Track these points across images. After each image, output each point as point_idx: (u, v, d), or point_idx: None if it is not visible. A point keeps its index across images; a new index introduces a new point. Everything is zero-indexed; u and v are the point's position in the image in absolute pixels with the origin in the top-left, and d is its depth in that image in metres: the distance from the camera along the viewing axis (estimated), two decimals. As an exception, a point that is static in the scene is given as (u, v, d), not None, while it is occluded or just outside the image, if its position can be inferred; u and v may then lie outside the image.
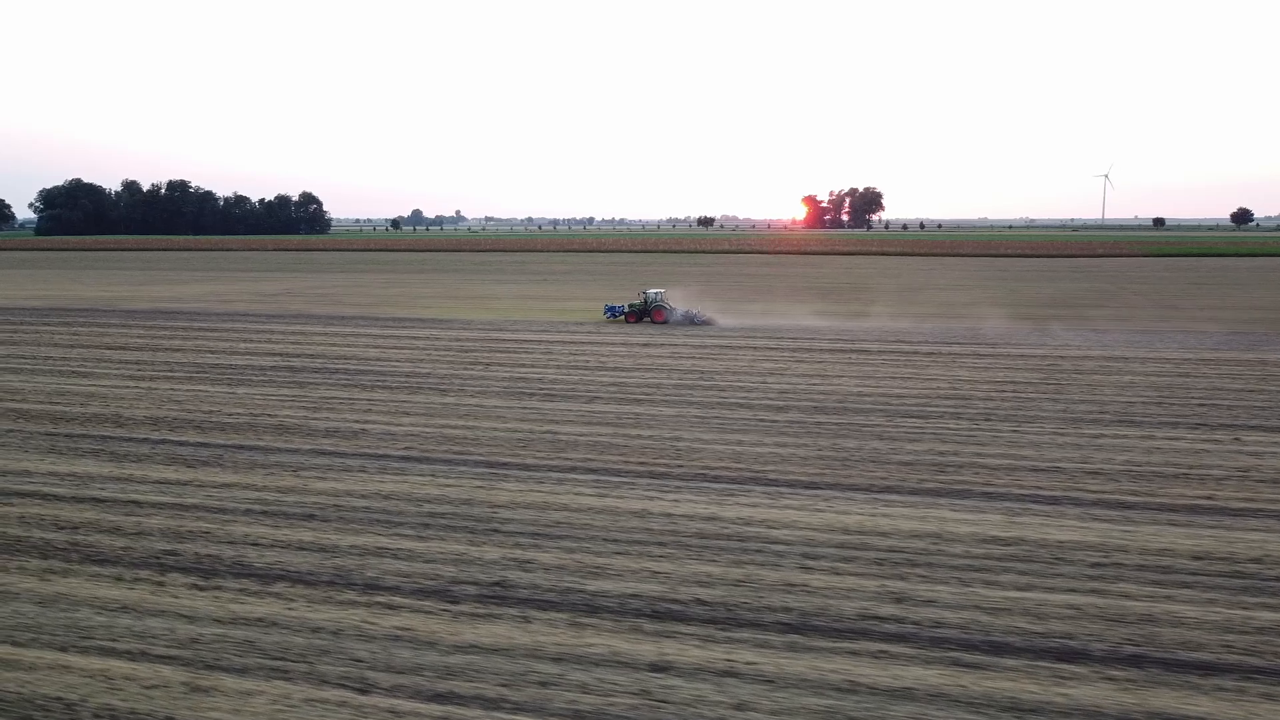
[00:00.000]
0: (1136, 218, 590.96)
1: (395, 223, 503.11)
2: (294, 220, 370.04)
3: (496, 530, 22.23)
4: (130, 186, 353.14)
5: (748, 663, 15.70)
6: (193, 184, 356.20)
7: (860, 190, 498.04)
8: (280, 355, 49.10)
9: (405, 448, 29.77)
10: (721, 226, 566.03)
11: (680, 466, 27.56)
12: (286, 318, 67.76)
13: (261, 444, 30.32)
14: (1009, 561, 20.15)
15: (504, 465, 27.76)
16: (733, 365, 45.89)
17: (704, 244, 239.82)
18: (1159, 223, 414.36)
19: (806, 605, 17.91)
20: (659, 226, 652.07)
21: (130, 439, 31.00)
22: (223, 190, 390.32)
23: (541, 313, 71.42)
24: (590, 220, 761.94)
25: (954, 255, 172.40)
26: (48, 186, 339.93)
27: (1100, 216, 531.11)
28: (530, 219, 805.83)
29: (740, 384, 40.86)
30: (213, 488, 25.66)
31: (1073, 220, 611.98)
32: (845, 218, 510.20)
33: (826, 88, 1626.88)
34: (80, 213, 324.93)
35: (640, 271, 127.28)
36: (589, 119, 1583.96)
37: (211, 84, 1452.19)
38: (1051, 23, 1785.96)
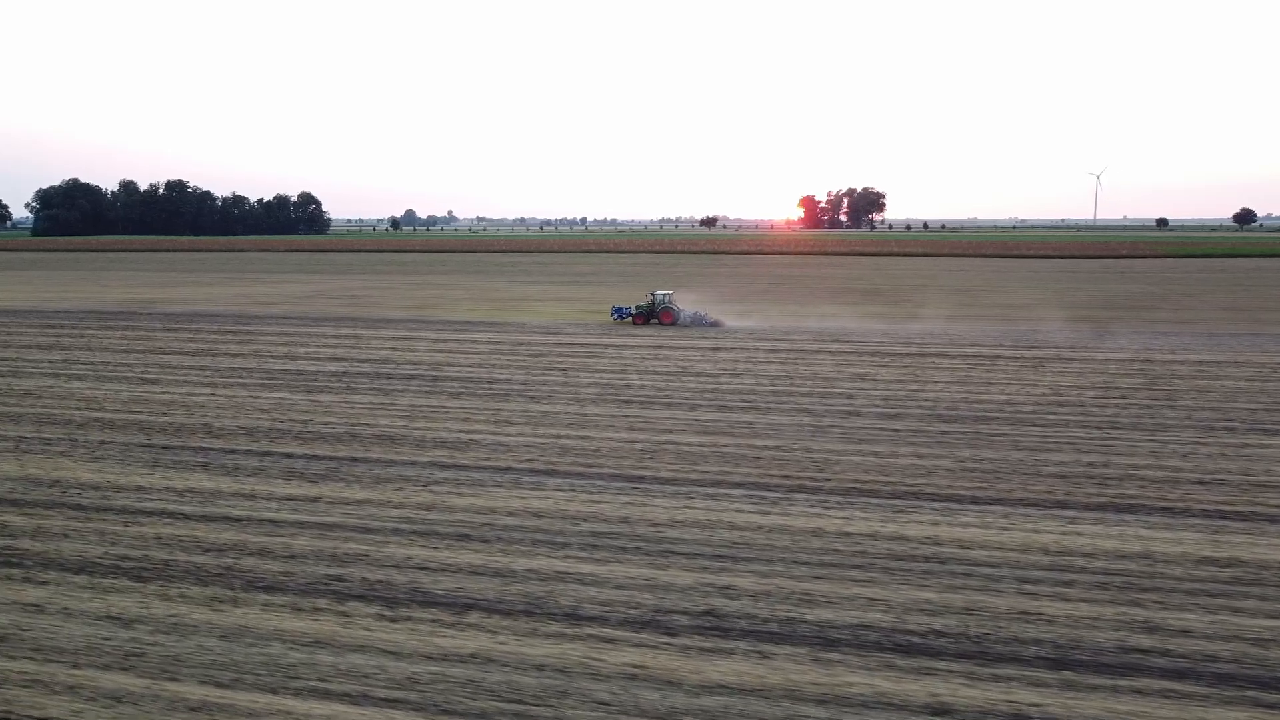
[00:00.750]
0: (1125, 218, 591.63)
1: (395, 223, 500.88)
2: (293, 220, 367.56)
3: (672, 551, 20.86)
4: (127, 186, 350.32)
5: (1031, 704, 14.39)
6: (191, 184, 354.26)
7: (859, 190, 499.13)
8: (346, 360, 47.57)
9: (527, 460, 28.36)
10: (724, 227, 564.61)
11: (828, 480, 26.23)
12: (333, 320, 66.20)
13: (374, 456, 28.86)
14: (1241, 585, 18.91)
15: (641, 479, 26.40)
16: (817, 370, 44.50)
17: (720, 244, 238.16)
18: (1162, 223, 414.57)
19: (1055, 636, 16.61)
20: (648, 227, 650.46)
21: (232, 450, 29.51)
22: (219, 190, 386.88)
23: (585, 314, 69.97)
24: (583, 220, 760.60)
25: (975, 256, 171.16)
26: (44, 186, 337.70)
27: (1092, 216, 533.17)
28: (522, 219, 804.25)
29: (836, 390, 39.49)
30: (346, 504, 24.25)
31: (1064, 220, 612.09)
32: (844, 218, 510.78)
33: (820, 88, 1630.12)
34: (78, 213, 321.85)
35: (666, 272, 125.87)
36: (580, 118, 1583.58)
37: (205, 83, 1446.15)
38: (1042, 22, 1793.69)
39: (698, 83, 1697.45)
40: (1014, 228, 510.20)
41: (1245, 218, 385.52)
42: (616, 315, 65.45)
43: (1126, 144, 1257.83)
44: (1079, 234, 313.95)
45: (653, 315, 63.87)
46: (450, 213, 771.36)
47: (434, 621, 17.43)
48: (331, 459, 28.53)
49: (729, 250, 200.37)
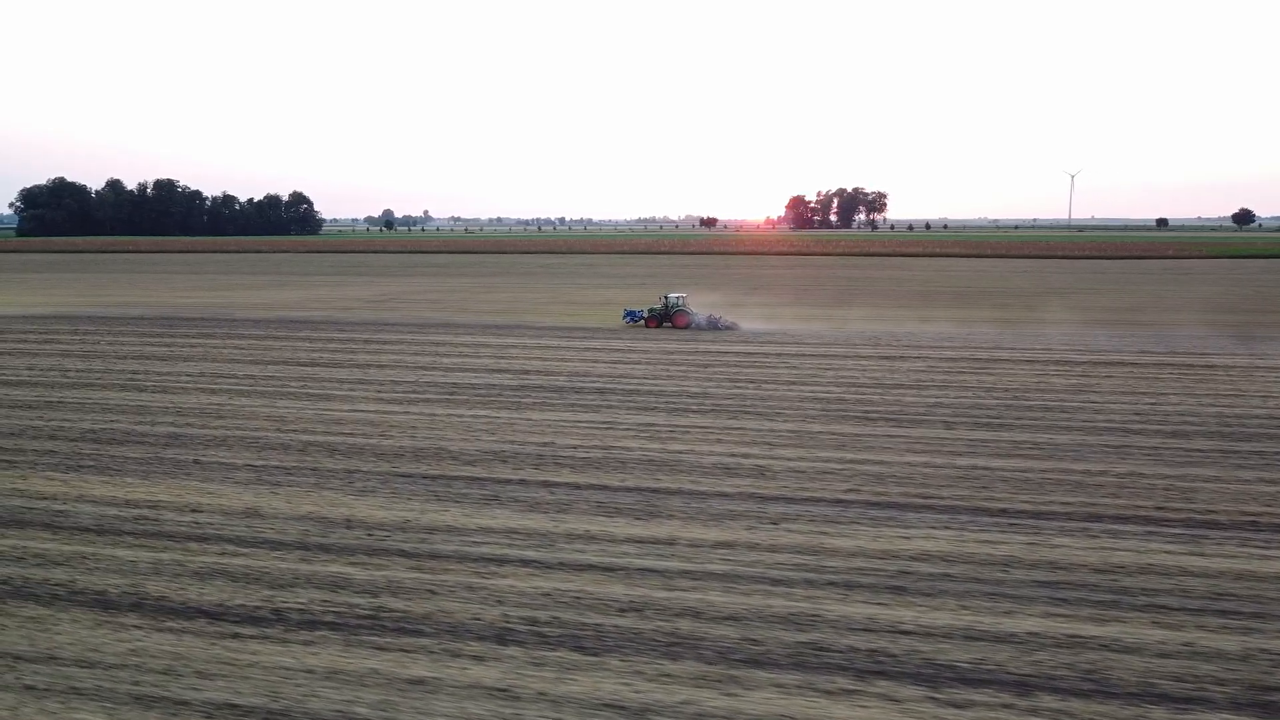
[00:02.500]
0: (1093, 217, 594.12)
1: (389, 223, 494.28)
2: (284, 221, 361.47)
3: (1116, 602, 18.14)
4: (114, 185, 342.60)
5: None
6: (180, 183, 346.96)
7: (849, 191, 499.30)
8: (503, 370, 44.23)
9: (847, 490, 25.26)
10: (723, 226, 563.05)
11: (1210, 511, 23.58)
12: (439, 327, 62.57)
13: (671, 486, 25.66)
14: None
15: (1005, 511, 23.60)
16: (1024, 381, 41.46)
17: (746, 245, 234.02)
18: (1162, 223, 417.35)
19: None
20: (632, 227, 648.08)
21: (505, 480, 26.23)
22: (208, 190, 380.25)
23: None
24: (562, 220, 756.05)
25: (1012, 257, 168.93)
26: (28, 185, 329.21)
27: (1067, 216, 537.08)
28: (499, 219, 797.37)
29: (1081, 403, 36.49)
30: (709, 547, 21.15)
31: (1035, 220, 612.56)
32: (834, 218, 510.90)
33: (802, 88, 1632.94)
34: (64, 212, 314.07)
35: (714, 274, 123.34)
36: (555, 117, 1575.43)
37: (188, 81, 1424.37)
38: (1019, 24, 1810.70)
39: (671, 82, 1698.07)
40: (997, 227, 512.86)
41: (1244, 218, 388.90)
42: (628, 318, 63.57)
43: (1096, 146, 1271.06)
44: (1081, 234, 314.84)
45: (666, 318, 62.13)
46: (426, 212, 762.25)
47: (927, 699, 14.59)
48: (624, 489, 25.41)
49: (763, 252, 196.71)
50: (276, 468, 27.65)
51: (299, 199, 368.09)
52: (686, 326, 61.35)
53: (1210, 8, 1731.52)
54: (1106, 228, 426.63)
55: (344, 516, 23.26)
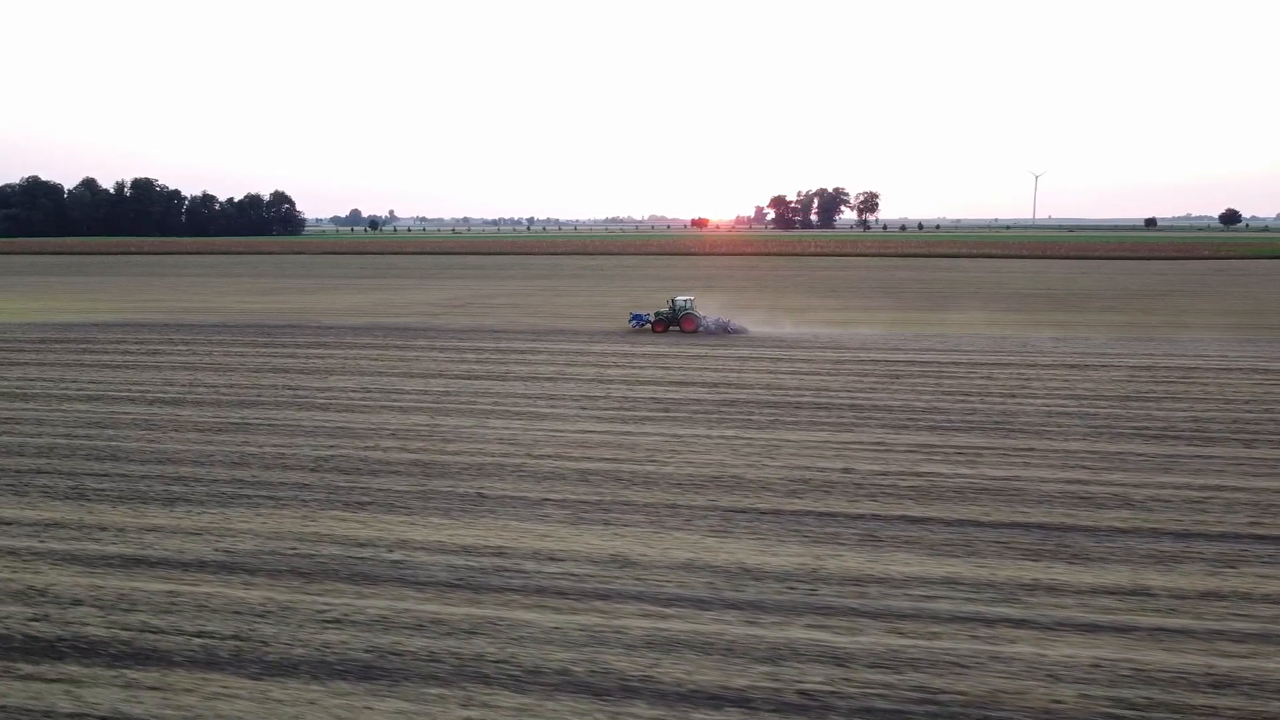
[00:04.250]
0: (1050, 217, 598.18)
1: (374, 223, 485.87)
2: (265, 221, 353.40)
3: None
4: (90, 185, 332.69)
5: None
6: (158, 182, 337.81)
7: (830, 190, 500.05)
8: (679, 384, 41.10)
9: (1256, 523, 23.00)
10: (685, 225, 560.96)
11: None
12: (556, 333, 59.18)
13: (1067, 522, 22.93)
14: None
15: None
16: (1210, 392, 39.67)
17: (766, 246, 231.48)
18: (1150, 223, 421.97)
19: None
20: (606, 227, 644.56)
21: (844, 514, 23.42)
22: (186, 189, 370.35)
23: (817, 324, 63.64)
24: (531, 220, 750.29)
25: (1035, 257, 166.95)
26: (1, 185, 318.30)
27: (1031, 216, 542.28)
28: (466, 219, 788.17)
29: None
30: (1194, 597, 18.61)
31: (996, 220, 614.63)
32: (815, 218, 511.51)
33: (767, 89, 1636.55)
34: (40, 213, 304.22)
35: (771, 278, 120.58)
36: (519, 117, 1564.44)
37: (150, 77, 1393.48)
38: (992, 29, 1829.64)
39: (633, 83, 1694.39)
40: (988, 227, 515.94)
41: (1231, 218, 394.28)
42: (635, 322, 61.66)
43: (1054, 148, 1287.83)
44: (1072, 234, 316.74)
45: (673, 322, 60.26)
46: (391, 212, 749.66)
47: None
48: (1033, 526, 22.81)
49: (782, 253, 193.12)
50: (577, 501, 24.61)
51: (281, 198, 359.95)
52: (695, 330, 59.46)
53: (1174, 12, 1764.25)
54: (1094, 227, 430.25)
55: (732, 563, 20.31)
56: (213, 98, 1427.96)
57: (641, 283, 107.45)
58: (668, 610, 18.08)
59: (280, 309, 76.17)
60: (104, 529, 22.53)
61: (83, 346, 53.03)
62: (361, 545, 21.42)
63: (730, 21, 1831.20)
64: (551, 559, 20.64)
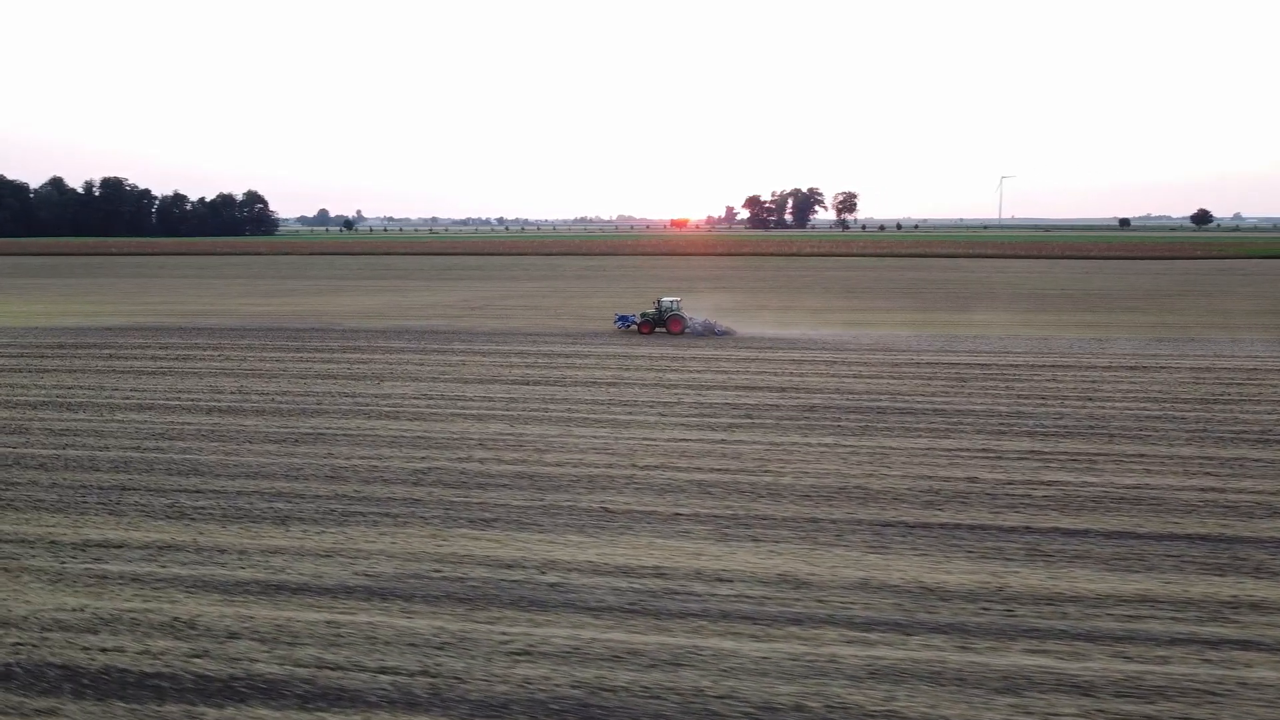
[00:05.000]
0: (1014, 217, 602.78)
1: (349, 223, 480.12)
2: (239, 221, 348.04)
3: None
4: (57, 184, 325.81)
5: None
6: (128, 181, 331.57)
7: (804, 191, 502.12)
8: (758, 388, 40.02)
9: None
10: (646, 226, 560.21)
11: None
12: (590, 337, 58.00)
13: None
14: None
15: None
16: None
17: (763, 246, 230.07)
18: (1124, 223, 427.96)
19: None
20: (559, 226, 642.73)
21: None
22: (156, 188, 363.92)
23: (844, 325, 63.24)
24: (500, 220, 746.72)
25: (1039, 257, 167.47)
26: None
27: (997, 217, 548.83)
28: (434, 219, 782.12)
29: None
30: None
31: (961, 220, 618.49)
32: (789, 218, 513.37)
33: (736, 90, 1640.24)
34: (6, 212, 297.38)
35: (767, 279, 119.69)
36: (486, 117, 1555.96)
37: (114, 73, 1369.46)
38: (953, 30, 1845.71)
39: (602, 82, 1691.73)
40: (962, 227, 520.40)
41: (1203, 218, 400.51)
42: (620, 324, 60.99)
43: (1019, 151, 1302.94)
44: (1048, 234, 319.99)
45: (660, 323, 59.55)
46: (359, 212, 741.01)
47: None
48: (1170, 538, 21.80)
49: (797, 253, 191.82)
50: (711, 515, 23.49)
51: (254, 198, 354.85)
52: (681, 332, 58.68)
53: (1132, 19, 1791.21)
54: (1064, 227, 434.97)
55: (909, 581, 19.25)
56: (179, 95, 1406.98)
57: (648, 284, 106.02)
58: (870, 636, 17.07)
59: (291, 311, 74.22)
60: (223, 551, 21.13)
61: (108, 352, 50.99)
62: (509, 567, 20.19)
63: (697, 22, 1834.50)
64: (719, 579, 19.52)
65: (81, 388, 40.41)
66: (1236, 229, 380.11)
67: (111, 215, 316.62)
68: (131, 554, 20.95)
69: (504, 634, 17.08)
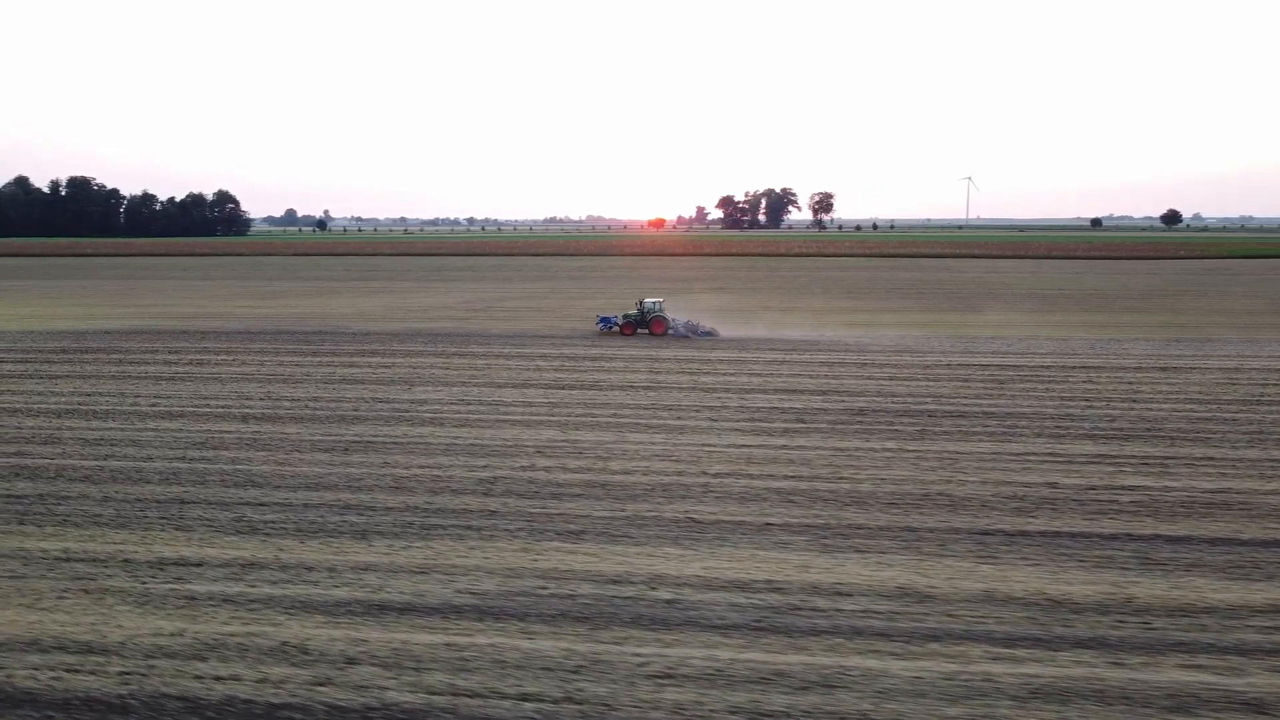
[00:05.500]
0: (979, 217, 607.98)
1: (321, 223, 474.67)
2: (209, 221, 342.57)
3: None
4: (22, 183, 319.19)
5: None
6: (96, 180, 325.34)
7: (778, 191, 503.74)
8: (830, 392, 39.42)
9: None
10: (623, 226, 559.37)
11: None
12: (596, 339, 57.17)
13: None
14: None
15: None
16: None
17: (750, 246, 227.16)
18: (1096, 223, 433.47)
19: None
20: (526, 226, 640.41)
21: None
22: (125, 188, 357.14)
23: (852, 326, 62.87)
24: (471, 221, 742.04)
25: (1026, 258, 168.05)
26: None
27: (965, 217, 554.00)
28: (403, 219, 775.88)
29: None
30: None
31: (929, 221, 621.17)
32: (763, 218, 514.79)
33: (705, 89, 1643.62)
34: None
35: (761, 279, 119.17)
36: (453, 115, 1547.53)
37: (75, 70, 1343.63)
38: (915, 28, 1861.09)
39: (569, 81, 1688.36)
40: (933, 228, 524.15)
41: (1173, 218, 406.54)
42: (602, 325, 60.59)
43: (983, 153, 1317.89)
44: (1023, 234, 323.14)
45: (642, 324, 59.22)
46: (326, 212, 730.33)
47: None
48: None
49: (814, 253, 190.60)
50: (803, 524, 22.79)
51: (225, 198, 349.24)
52: (664, 333, 58.30)
53: (1080, 17, 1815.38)
54: (1039, 227, 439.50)
55: (1033, 593, 18.68)
56: (142, 93, 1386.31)
57: (644, 285, 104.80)
58: (1016, 652, 16.48)
59: (290, 313, 72.73)
60: (310, 568, 20.16)
61: (116, 357, 49.44)
62: (616, 582, 19.41)
63: (665, 23, 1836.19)
64: (837, 593, 18.88)
65: (101, 394, 39.05)
66: (1205, 229, 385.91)
67: (79, 215, 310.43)
68: (214, 573, 19.95)
69: (637, 655, 16.32)
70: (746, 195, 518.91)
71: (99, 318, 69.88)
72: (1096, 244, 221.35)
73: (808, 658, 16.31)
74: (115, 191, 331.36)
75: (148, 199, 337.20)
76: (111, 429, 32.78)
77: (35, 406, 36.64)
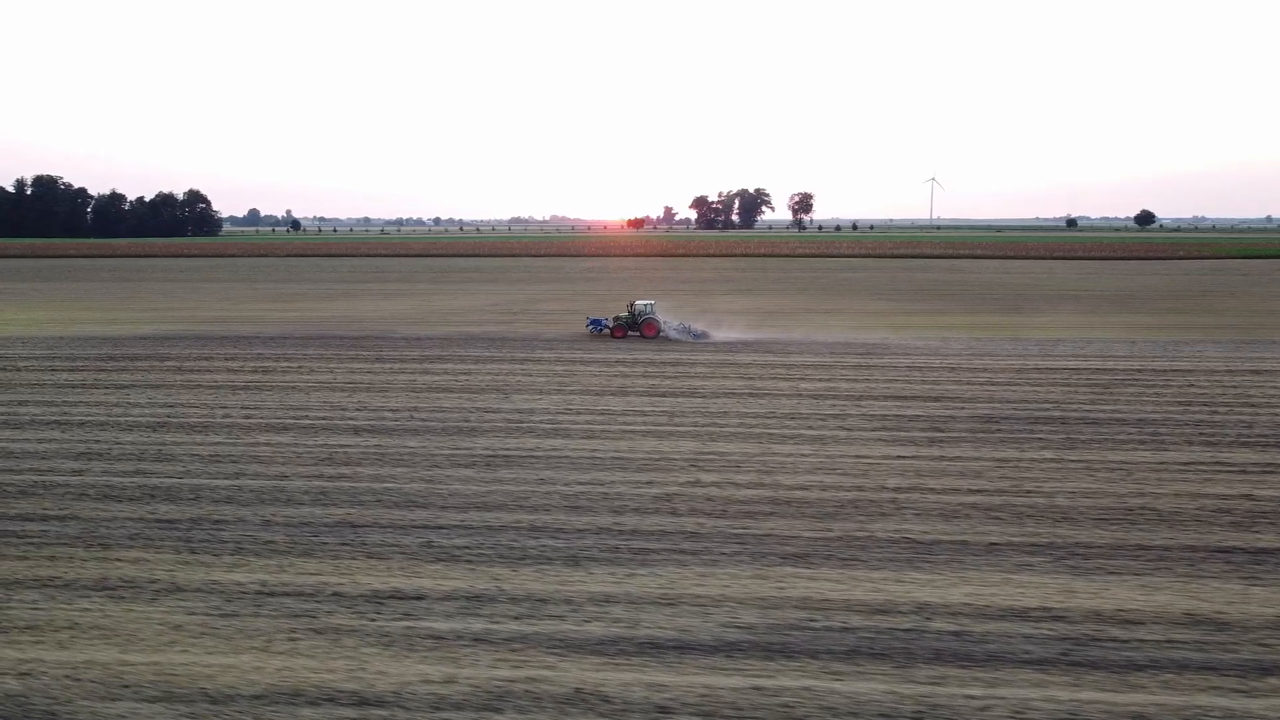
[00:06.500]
0: (939, 217, 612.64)
1: (295, 224, 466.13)
2: (180, 221, 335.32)
3: None
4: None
5: None
6: (62, 180, 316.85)
7: (751, 191, 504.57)
8: (919, 398, 38.33)
9: None
10: (586, 227, 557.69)
11: None
12: (656, 344, 55.48)
13: None
14: None
15: None
16: None
17: (753, 247, 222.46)
18: (1071, 224, 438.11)
19: None
20: (495, 225, 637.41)
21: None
22: (93, 187, 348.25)
23: (903, 329, 61.95)
24: (436, 220, 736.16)
25: (1027, 258, 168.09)
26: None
27: (929, 217, 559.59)
28: (366, 219, 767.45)
29: None
30: None
31: (891, 221, 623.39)
32: (736, 218, 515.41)
33: (668, 89, 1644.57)
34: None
35: (785, 280, 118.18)
36: (416, 114, 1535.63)
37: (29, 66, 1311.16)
38: (884, 29, 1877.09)
39: (532, 79, 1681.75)
40: (872, 228, 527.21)
41: (1146, 219, 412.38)
42: (593, 327, 59.68)
43: (946, 154, 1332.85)
44: (998, 234, 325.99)
45: (633, 327, 58.50)
46: (288, 212, 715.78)
47: None
48: None
49: (791, 254, 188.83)
50: (1037, 544, 21.57)
51: (196, 197, 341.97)
52: (655, 336, 57.44)
53: (1035, 19, 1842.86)
54: (1014, 228, 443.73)
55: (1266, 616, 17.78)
56: (103, 90, 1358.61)
57: (662, 286, 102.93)
58: (1257, 685, 15.42)
59: (320, 317, 70.41)
60: (542, 600, 18.52)
61: (171, 364, 47.11)
62: (884, 612, 18.08)
63: (626, 24, 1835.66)
64: (1125, 621, 17.65)
65: (183, 405, 36.93)
66: (1175, 229, 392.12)
67: (46, 215, 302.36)
68: (442, 607, 18.33)
69: (970, 697, 14.99)
70: (720, 196, 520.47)
71: (121, 322, 67.15)
72: (1095, 245, 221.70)
73: (1151, 696, 15.11)
74: (83, 191, 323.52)
75: (116, 198, 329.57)
76: (221, 444, 30.83)
77: (121, 419, 34.51)
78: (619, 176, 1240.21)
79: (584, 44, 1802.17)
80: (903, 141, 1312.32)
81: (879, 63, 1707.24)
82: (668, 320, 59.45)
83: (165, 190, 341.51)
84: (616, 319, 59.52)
